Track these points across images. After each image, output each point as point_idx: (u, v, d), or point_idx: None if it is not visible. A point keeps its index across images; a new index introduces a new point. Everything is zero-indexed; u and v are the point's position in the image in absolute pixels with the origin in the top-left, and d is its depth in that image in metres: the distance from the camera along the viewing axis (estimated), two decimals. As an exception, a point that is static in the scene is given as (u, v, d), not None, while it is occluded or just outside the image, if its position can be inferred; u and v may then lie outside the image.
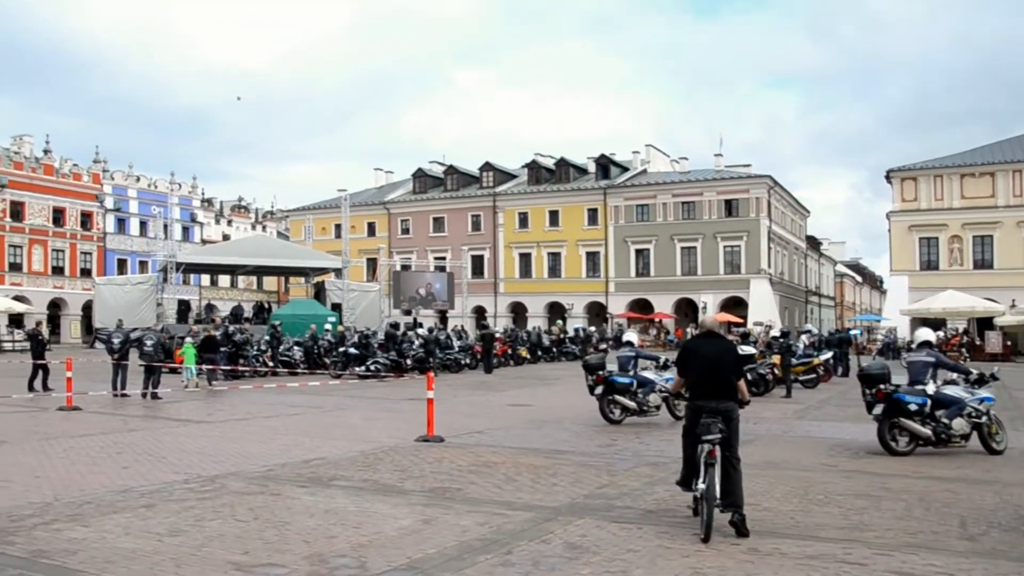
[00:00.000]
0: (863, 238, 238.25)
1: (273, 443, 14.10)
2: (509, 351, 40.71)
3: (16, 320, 57.34)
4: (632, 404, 17.58)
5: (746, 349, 24.72)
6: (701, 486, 8.18)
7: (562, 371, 37.40)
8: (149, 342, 23.11)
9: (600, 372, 17.86)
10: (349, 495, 9.68)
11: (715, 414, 8.44)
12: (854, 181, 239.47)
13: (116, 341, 23.56)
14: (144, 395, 22.24)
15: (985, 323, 51.78)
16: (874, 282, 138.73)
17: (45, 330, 30.08)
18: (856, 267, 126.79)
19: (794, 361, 26.57)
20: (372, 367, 30.67)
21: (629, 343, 19.21)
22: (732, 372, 8.72)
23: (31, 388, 23.71)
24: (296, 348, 34.02)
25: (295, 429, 16.16)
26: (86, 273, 68.99)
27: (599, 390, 17.81)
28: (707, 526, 7.96)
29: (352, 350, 31.75)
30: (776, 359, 26.60)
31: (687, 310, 70.96)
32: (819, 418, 19.39)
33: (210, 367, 26.55)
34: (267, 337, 34.02)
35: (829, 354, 30.41)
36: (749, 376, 23.57)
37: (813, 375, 27.71)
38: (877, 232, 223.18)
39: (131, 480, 10.46)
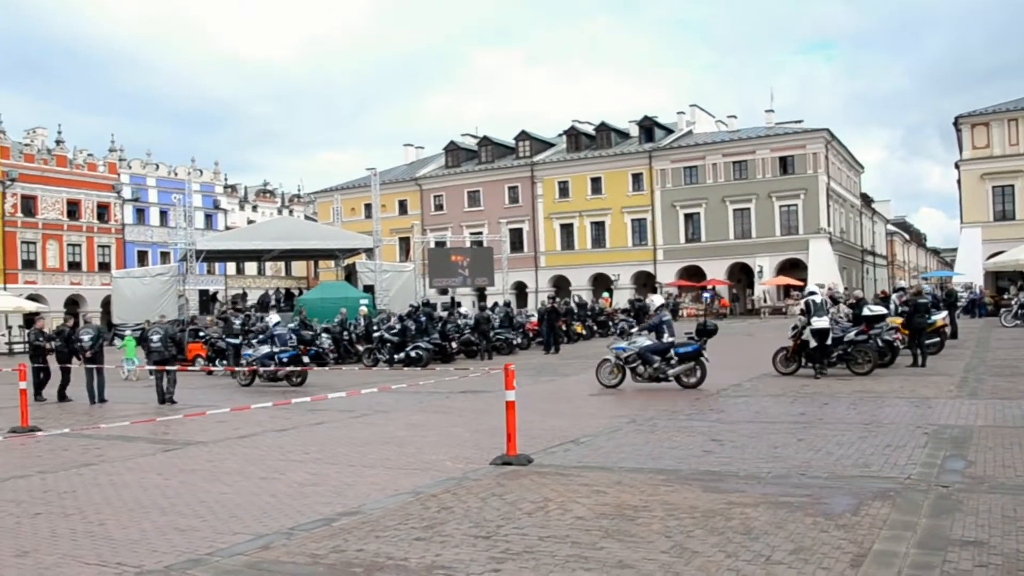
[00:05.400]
0: (898, 198, 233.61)
1: (281, 481, 9.47)
2: (564, 327, 36.04)
3: (30, 321, 52.96)
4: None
5: (876, 308, 20.27)
6: None
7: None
8: (155, 336, 19.47)
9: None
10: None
11: None
12: (888, 141, 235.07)
13: (86, 338, 19.47)
14: (163, 400, 18.73)
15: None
16: (919, 240, 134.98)
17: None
18: (903, 225, 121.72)
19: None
20: (413, 354, 26.21)
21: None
22: None
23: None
24: (324, 336, 29.60)
25: (316, 450, 11.54)
26: (105, 267, 64.48)
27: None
28: None
29: (388, 335, 27.22)
30: (896, 321, 22.17)
31: (741, 275, 66.23)
32: (996, 394, 14.80)
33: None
34: (292, 325, 29.54)
35: (944, 314, 26.13)
36: (879, 342, 19.18)
37: (936, 338, 23.57)
38: (912, 192, 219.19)
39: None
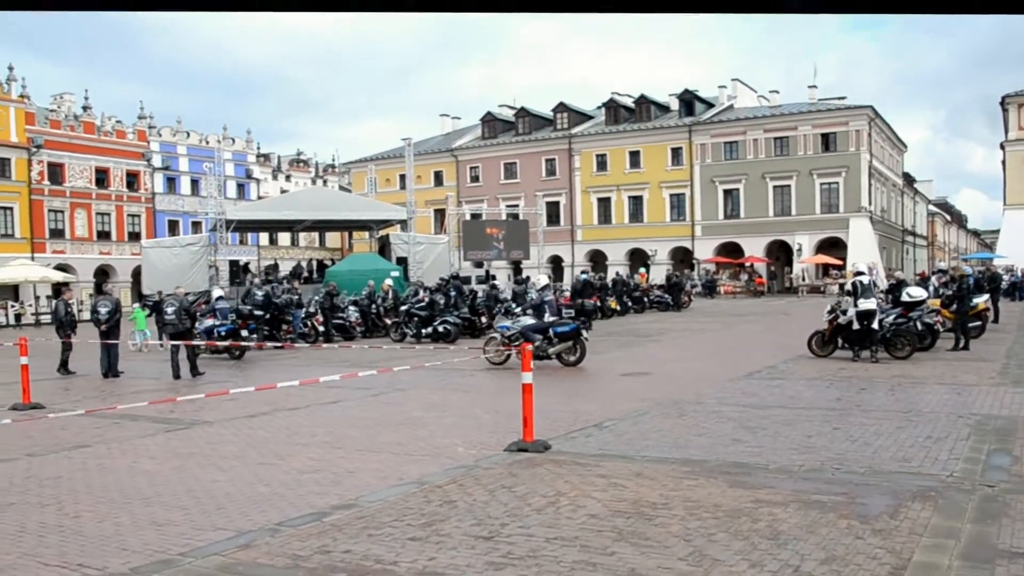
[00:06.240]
0: (940, 178, 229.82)
1: (279, 468, 8.95)
2: (598, 302, 35.30)
3: (59, 291, 53.04)
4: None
5: (915, 293, 19.32)
6: None
7: (660, 323, 32.10)
8: (170, 309, 18.90)
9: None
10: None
11: None
12: (932, 121, 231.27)
13: (103, 311, 19.23)
14: (177, 375, 18.29)
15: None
16: (960, 221, 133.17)
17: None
18: (944, 206, 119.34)
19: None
20: (441, 328, 25.67)
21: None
22: None
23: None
24: (351, 309, 29.15)
25: (324, 432, 11.02)
26: (135, 236, 63.33)
27: None
28: None
29: (415, 309, 26.68)
30: (935, 302, 21.30)
31: (779, 253, 65.01)
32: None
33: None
34: (318, 298, 29.18)
35: (986, 297, 25.11)
36: (918, 325, 18.39)
37: (978, 322, 22.57)
38: (954, 172, 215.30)
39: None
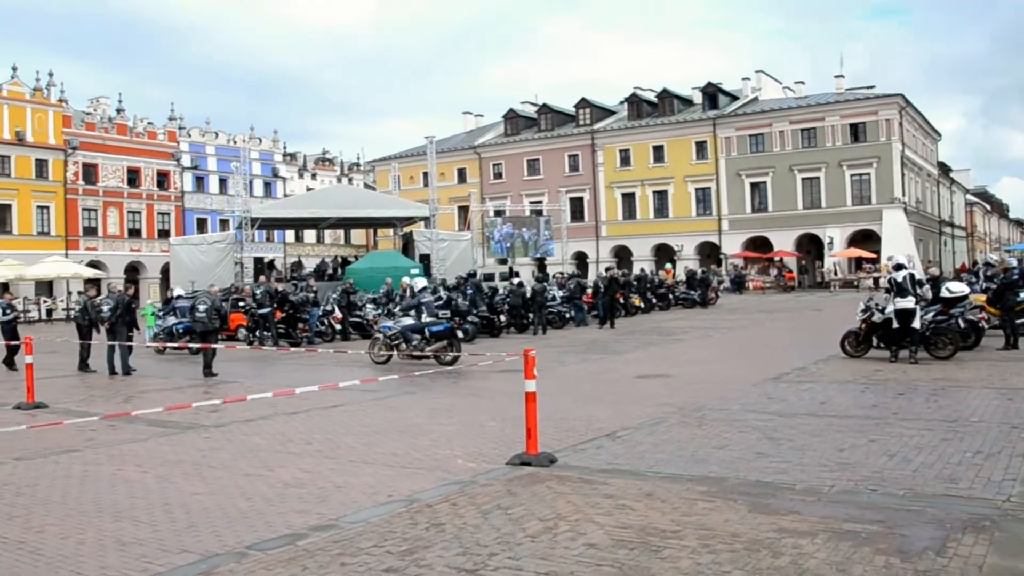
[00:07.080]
0: (977, 167, 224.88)
1: (265, 480, 8.30)
2: (621, 300, 34.35)
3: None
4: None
5: (955, 288, 18.16)
6: None
7: (684, 321, 31.28)
8: (201, 307, 19.06)
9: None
10: None
11: None
12: (967, 108, 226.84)
13: (105, 309, 19.11)
14: (208, 374, 18.23)
15: None
16: (1001, 211, 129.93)
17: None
18: (983, 195, 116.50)
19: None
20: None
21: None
22: None
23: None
24: (370, 307, 28.57)
25: (320, 439, 10.35)
26: (164, 234, 64.81)
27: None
28: None
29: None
30: (980, 298, 20.13)
31: (810, 247, 63.77)
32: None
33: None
34: (335, 296, 28.65)
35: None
36: (961, 323, 17.33)
37: (1027, 318, 21.22)
38: (993, 160, 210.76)
39: None
